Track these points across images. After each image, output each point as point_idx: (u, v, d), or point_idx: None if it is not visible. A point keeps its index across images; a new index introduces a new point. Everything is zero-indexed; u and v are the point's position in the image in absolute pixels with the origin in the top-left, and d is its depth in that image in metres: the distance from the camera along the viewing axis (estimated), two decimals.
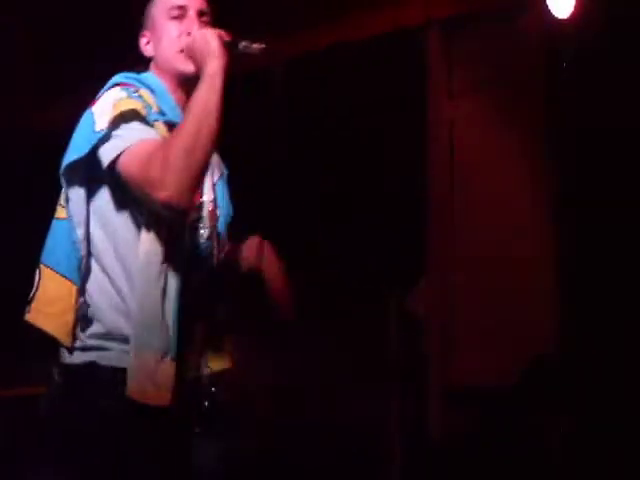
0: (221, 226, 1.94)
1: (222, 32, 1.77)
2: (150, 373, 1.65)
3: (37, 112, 6.11)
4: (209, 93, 1.65)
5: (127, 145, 1.65)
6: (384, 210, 5.27)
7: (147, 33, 1.91)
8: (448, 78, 4.69)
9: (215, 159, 1.92)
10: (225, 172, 2.03)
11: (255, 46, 1.78)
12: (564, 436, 3.65)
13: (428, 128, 4.66)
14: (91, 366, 1.73)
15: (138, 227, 1.74)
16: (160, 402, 1.66)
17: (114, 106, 1.70)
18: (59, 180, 1.81)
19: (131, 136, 1.67)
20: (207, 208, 1.88)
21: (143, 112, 1.72)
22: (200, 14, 1.85)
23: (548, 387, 3.79)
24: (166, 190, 1.58)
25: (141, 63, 1.94)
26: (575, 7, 3.97)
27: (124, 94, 1.74)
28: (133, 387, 1.66)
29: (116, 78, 1.82)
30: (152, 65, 1.91)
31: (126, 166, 1.65)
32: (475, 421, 4.00)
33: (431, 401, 4.37)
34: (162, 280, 1.70)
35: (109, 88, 1.80)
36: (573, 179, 4.16)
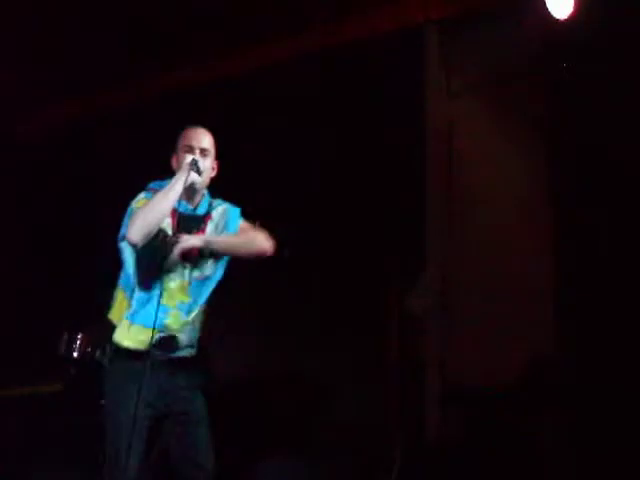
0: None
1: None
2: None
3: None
4: (169, 190, 2.91)
5: None
6: (384, 209, 5.27)
7: (175, 156, 3.12)
8: (447, 78, 4.69)
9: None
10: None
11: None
12: (562, 436, 3.65)
13: (428, 128, 4.67)
14: None
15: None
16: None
17: (136, 202, 3.02)
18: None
19: None
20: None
21: None
22: (201, 151, 3.07)
23: (547, 387, 3.79)
24: (129, 234, 2.88)
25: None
26: (574, 7, 3.97)
27: (142, 196, 3.04)
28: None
29: (149, 185, 3.08)
30: None
31: None
32: (474, 421, 4.00)
33: (430, 401, 4.37)
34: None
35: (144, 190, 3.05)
36: (573, 178, 4.16)
